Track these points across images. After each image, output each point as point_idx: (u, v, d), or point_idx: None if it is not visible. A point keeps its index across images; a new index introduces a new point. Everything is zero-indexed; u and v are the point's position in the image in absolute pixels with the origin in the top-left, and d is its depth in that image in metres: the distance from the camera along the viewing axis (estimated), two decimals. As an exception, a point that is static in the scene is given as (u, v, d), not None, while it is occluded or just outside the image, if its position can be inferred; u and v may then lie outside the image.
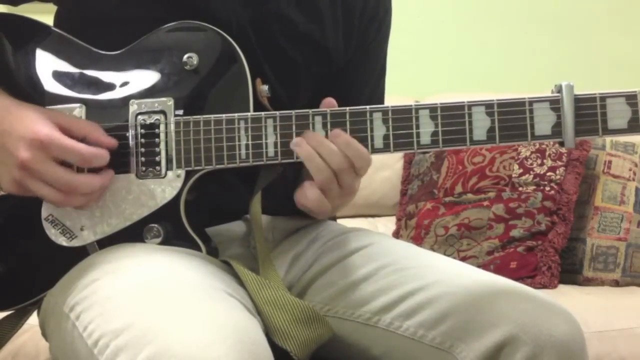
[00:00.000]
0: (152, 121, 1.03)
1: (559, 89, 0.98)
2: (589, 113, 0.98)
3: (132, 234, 1.03)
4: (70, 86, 1.06)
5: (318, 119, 1.01)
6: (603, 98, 0.98)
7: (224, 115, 1.02)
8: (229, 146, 1.02)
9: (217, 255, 1.07)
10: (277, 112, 1.02)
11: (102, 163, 1.00)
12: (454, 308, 0.99)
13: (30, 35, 1.08)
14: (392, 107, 1.01)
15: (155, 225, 1.03)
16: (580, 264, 2.11)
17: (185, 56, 1.04)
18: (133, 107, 1.04)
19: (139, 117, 1.04)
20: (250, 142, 1.02)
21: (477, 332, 0.96)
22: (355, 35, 1.19)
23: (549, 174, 2.11)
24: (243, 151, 1.02)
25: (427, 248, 1.94)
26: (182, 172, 1.03)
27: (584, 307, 1.77)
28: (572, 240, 2.10)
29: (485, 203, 2.10)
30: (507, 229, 2.06)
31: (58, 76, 1.06)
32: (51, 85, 1.06)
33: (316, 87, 1.16)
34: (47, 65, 1.07)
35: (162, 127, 1.03)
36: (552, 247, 2.04)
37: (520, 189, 2.10)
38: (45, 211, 1.04)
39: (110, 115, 1.04)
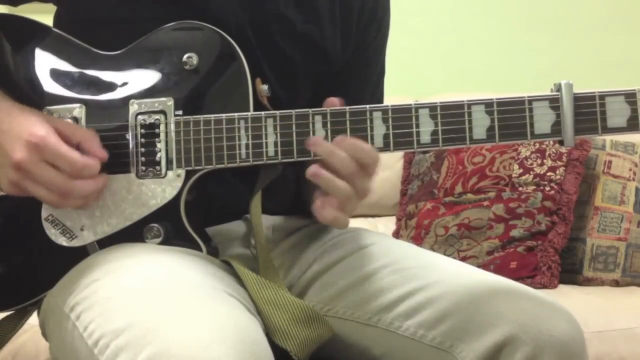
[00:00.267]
0: (152, 121, 1.03)
1: (558, 88, 0.98)
2: (589, 112, 0.98)
3: (132, 234, 1.03)
4: (70, 86, 1.06)
5: (318, 118, 1.01)
6: (602, 96, 0.98)
7: (224, 114, 1.02)
8: (229, 146, 1.02)
9: (217, 255, 1.07)
10: (277, 112, 1.02)
11: (91, 174, 0.99)
12: (454, 308, 0.99)
13: (30, 35, 1.08)
14: (392, 106, 1.01)
15: (156, 225, 1.03)
16: (580, 264, 2.11)
17: (185, 56, 1.04)
18: (133, 107, 1.04)
19: (139, 117, 1.04)
20: (250, 142, 1.02)
21: (477, 332, 0.96)
22: (354, 35, 1.19)
23: (549, 174, 2.11)
24: (243, 151, 1.02)
25: (427, 248, 1.94)
26: (182, 172, 1.03)
27: (584, 307, 1.77)
28: (572, 240, 2.10)
29: (485, 203, 2.10)
30: (507, 229, 2.06)
31: (58, 76, 1.06)
32: (51, 86, 1.06)
33: (316, 87, 1.17)
34: (47, 65, 1.07)
35: (162, 127, 1.03)
36: (552, 247, 2.04)
37: (520, 189, 2.10)
38: (45, 211, 1.04)
39: (110, 115, 1.04)
